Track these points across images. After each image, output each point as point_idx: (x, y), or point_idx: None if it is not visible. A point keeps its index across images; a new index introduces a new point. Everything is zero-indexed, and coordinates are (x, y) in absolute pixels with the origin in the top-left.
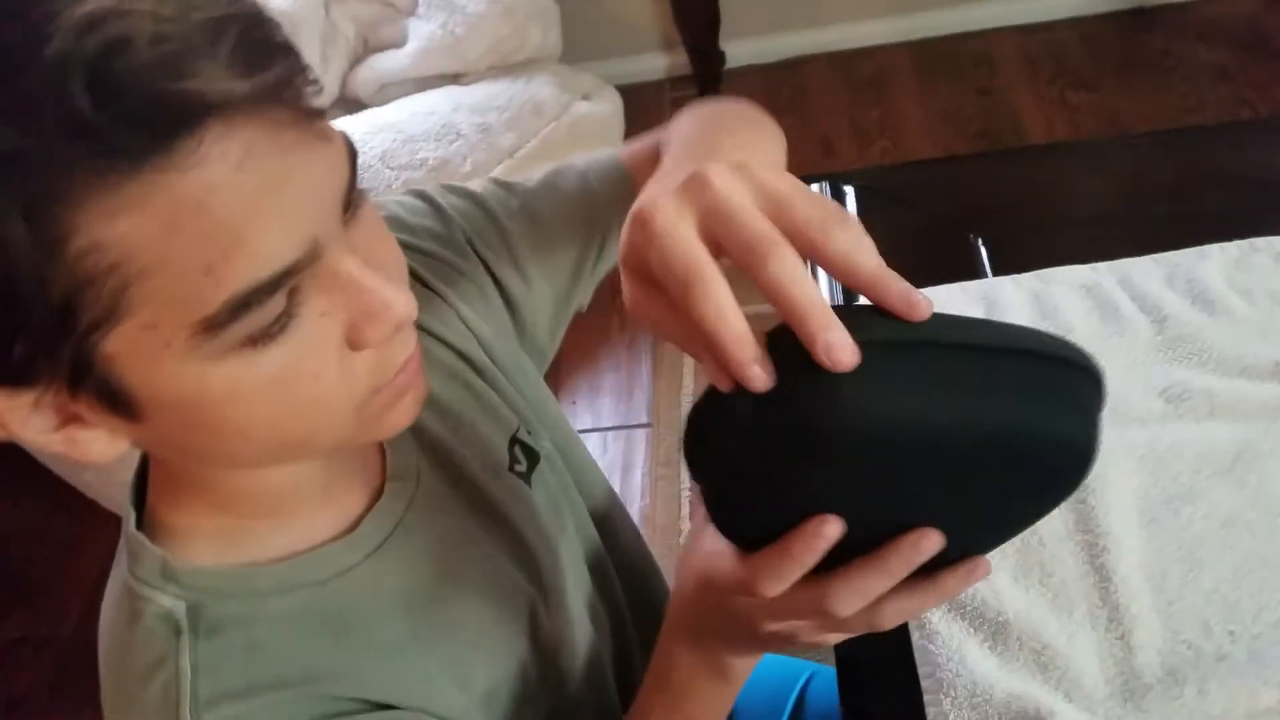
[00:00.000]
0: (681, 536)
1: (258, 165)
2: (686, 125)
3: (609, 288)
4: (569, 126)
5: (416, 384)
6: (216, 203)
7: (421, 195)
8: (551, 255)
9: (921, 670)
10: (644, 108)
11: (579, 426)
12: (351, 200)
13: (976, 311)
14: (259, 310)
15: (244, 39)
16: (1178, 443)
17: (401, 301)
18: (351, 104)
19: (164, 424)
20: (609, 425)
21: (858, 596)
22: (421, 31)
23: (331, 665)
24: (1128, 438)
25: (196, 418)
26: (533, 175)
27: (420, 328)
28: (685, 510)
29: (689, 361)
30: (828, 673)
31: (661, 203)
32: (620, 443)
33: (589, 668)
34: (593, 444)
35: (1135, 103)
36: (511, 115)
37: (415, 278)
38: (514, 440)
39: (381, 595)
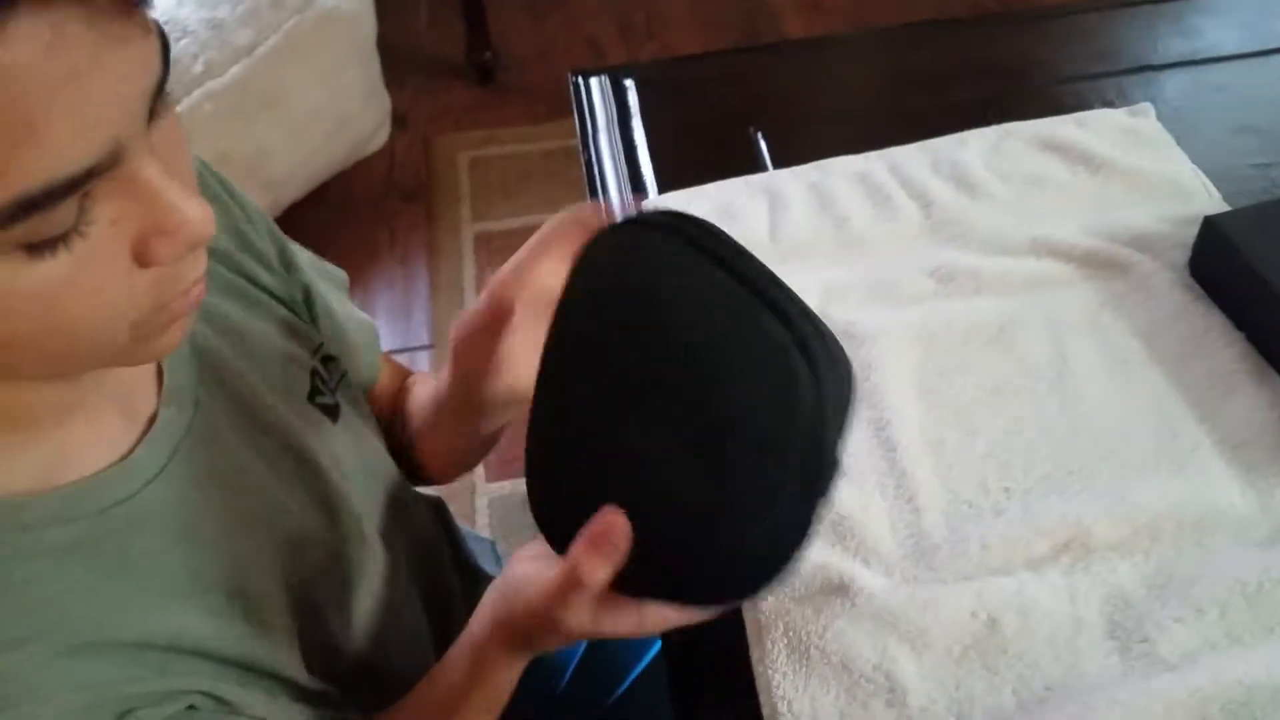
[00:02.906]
0: None
1: (67, 52)
2: None
3: (365, 199)
4: (315, 22)
5: (193, 311)
6: (16, 87)
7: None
8: None
9: None
10: (397, 4)
11: None
12: (159, 101)
13: (761, 204)
14: (47, 216)
15: None
16: (948, 319)
17: (200, 218)
18: None
19: None
20: (386, 349)
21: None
22: None
23: (112, 608)
24: (902, 317)
25: None
26: None
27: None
28: None
29: (469, 277)
30: None
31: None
32: None
33: (389, 602)
34: None
35: (883, 5)
36: (247, 9)
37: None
38: (320, 362)
39: (163, 528)
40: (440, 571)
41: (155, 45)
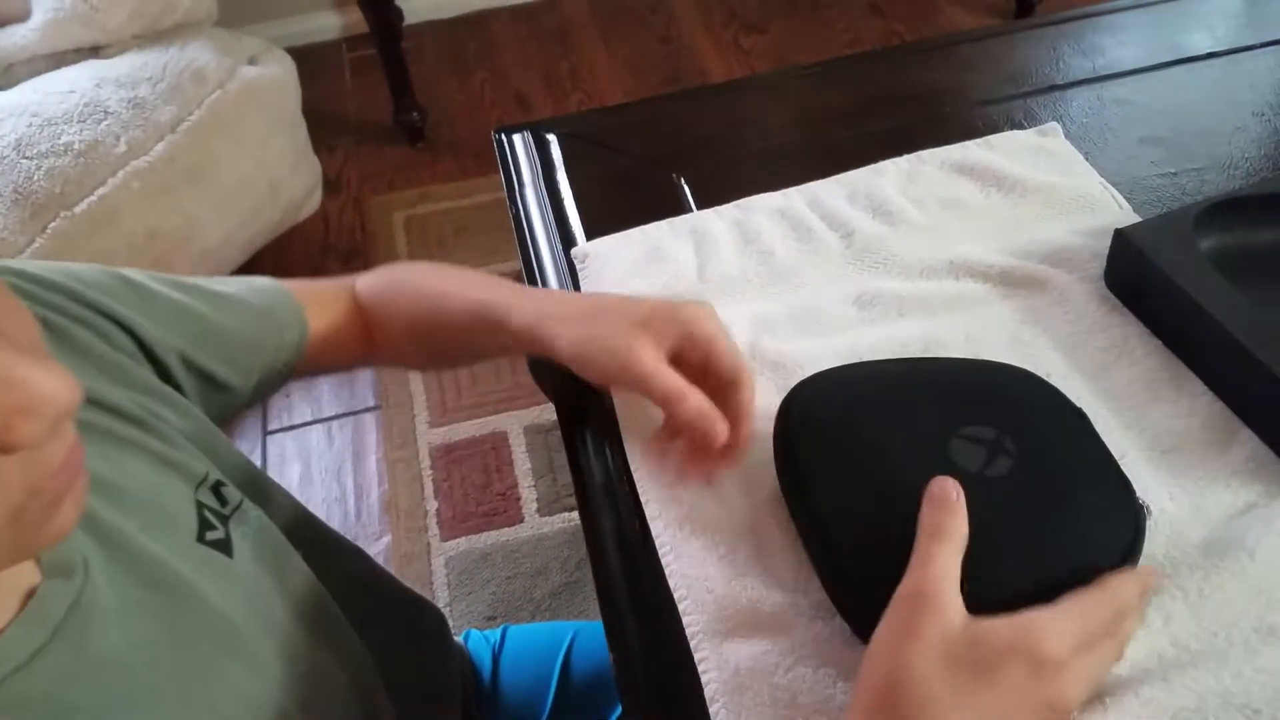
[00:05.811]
0: (427, 518)
1: None
2: (441, 280)
3: (303, 263)
4: (238, 94)
5: (78, 482)
6: None
7: (115, 275)
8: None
9: (677, 595)
10: (321, 70)
11: (298, 420)
12: None
13: (688, 244)
14: None
15: None
16: (874, 344)
17: (61, 387)
18: None
19: None
20: (332, 414)
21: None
22: (47, 2)
23: None
24: (830, 345)
25: None
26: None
27: None
28: (428, 490)
29: None
30: (591, 629)
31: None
32: (347, 430)
33: None
34: (316, 436)
35: (801, 42)
36: (168, 86)
37: (46, 326)
38: (209, 492)
39: (40, 717)
40: (376, 700)
41: None
